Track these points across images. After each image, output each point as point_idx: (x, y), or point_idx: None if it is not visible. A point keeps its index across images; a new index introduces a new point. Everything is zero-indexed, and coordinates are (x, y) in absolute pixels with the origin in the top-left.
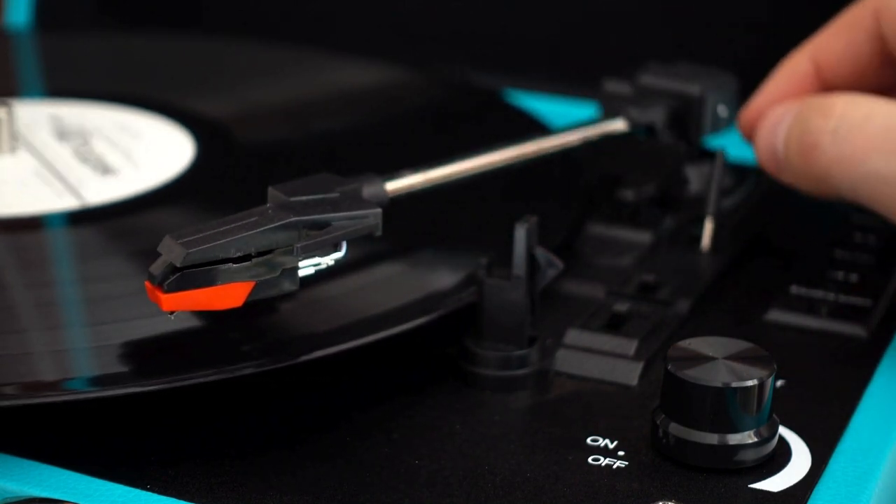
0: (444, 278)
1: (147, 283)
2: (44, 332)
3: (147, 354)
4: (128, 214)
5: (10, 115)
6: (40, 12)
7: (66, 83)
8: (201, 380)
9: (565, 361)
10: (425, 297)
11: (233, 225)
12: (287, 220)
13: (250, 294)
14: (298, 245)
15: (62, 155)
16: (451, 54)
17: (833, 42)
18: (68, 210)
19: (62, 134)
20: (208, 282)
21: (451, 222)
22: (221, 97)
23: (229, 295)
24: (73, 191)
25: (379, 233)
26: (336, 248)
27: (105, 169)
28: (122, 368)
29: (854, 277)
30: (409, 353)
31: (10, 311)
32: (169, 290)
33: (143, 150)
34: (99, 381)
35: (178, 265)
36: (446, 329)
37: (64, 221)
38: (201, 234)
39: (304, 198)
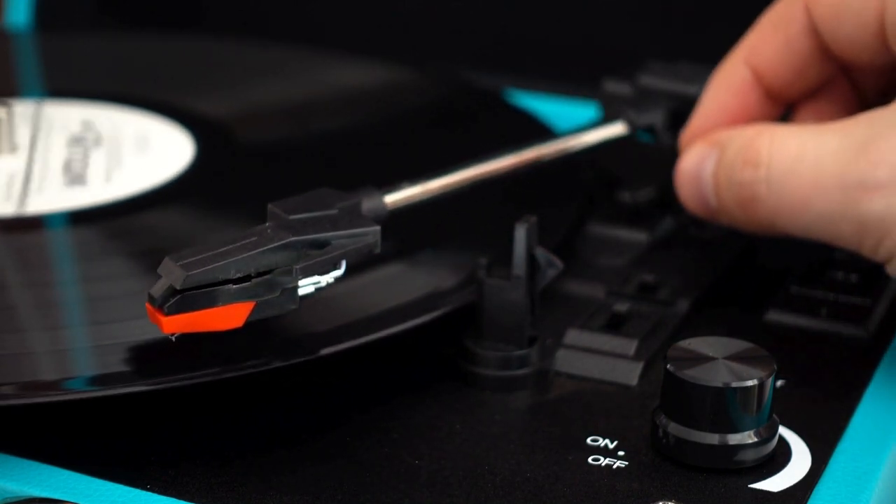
0: (443, 278)
1: (148, 305)
2: (43, 332)
3: (147, 354)
4: (128, 214)
5: (10, 115)
6: (40, 12)
7: (66, 83)
8: (202, 380)
9: (565, 361)
10: (425, 296)
11: (232, 246)
12: (286, 241)
13: (251, 314)
14: (297, 266)
15: (56, 155)
16: (451, 54)
17: (766, 43)
18: (68, 209)
19: (60, 134)
20: (209, 303)
21: (452, 222)
22: (221, 97)
23: (230, 316)
24: (21, 196)
25: (377, 250)
26: (336, 267)
27: (101, 169)
28: (122, 368)
29: (854, 277)
30: (410, 352)
31: (10, 310)
32: (169, 313)
33: (142, 150)
34: (98, 381)
35: (178, 287)
36: (447, 329)
37: (64, 221)
38: (201, 256)
39: (303, 216)
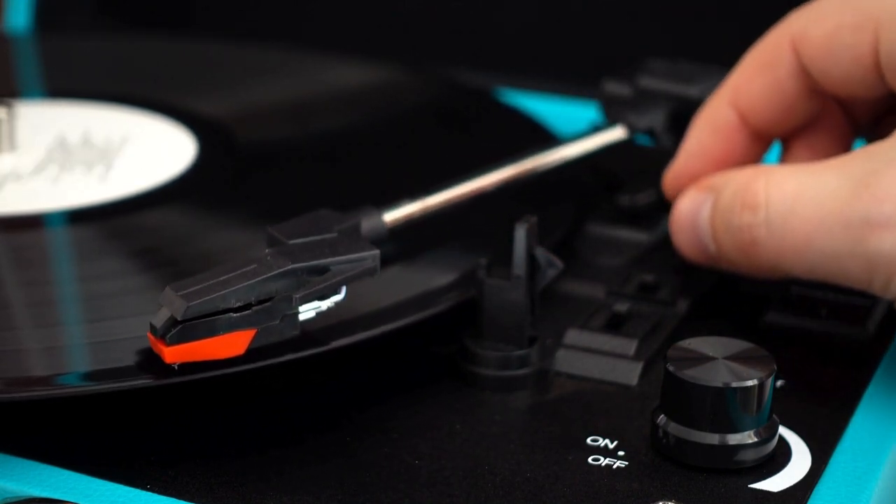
0: (442, 277)
1: (149, 335)
2: (40, 329)
3: (146, 350)
4: (128, 214)
5: (11, 115)
6: (40, 14)
7: (66, 83)
8: (199, 376)
9: (565, 361)
10: (422, 294)
11: (232, 274)
12: (286, 268)
13: (252, 342)
14: (297, 296)
15: (56, 155)
16: (450, 54)
17: (752, 85)
18: (69, 209)
19: (61, 134)
20: (210, 333)
21: (452, 222)
22: (221, 97)
23: (231, 343)
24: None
25: (377, 274)
26: (336, 292)
27: (102, 168)
28: (120, 364)
29: None
30: (410, 351)
31: (7, 308)
32: (171, 343)
33: (143, 150)
34: (95, 377)
35: (179, 318)
36: (445, 327)
37: (64, 220)
38: (201, 286)
39: (302, 240)
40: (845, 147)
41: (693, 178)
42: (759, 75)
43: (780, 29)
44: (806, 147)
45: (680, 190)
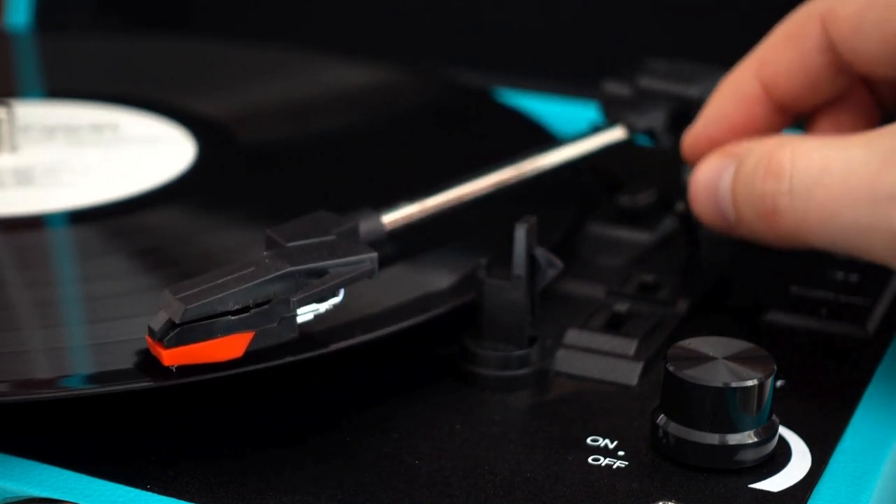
0: (443, 278)
1: (148, 338)
2: (41, 330)
3: (142, 352)
4: (128, 214)
5: (11, 114)
6: (40, 12)
7: (66, 83)
8: (200, 378)
9: (565, 361)
10: (423, 296)
11: (230, 277)
12: (284, 271)
13: (250, 344)
14: (294, 298)
15: (56, 155)
16: (449, 54)
17: (779, 57)
18: (69, 209)
19: (61, 134)
20: (207, 335)
21: (451, 222)
22: (221, 97)
23: (229, 346)
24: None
25: (375, 276)
26: (334, 294)
27: (101, 169)
28: (121, 366)
29: (854, 277)
30: (409, 352)
31: (9, 309)
32: (169, 346)
33: (143, 150)
34: (97, 379)
35: (177, 321)
36: (446, 328)
37: (64, 221)
38: (199, 289)
39: (300, 243)
40: (870, 126)
41: (711, 144)
42: (785, 49)
43: (809, 5)
44: (831, 123)
45: (697, 154)
